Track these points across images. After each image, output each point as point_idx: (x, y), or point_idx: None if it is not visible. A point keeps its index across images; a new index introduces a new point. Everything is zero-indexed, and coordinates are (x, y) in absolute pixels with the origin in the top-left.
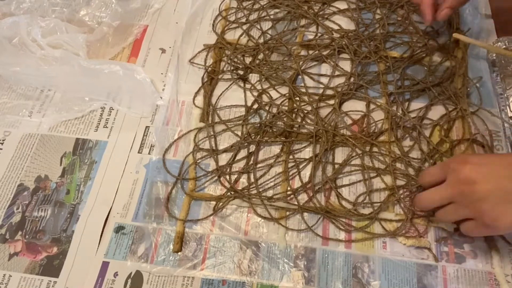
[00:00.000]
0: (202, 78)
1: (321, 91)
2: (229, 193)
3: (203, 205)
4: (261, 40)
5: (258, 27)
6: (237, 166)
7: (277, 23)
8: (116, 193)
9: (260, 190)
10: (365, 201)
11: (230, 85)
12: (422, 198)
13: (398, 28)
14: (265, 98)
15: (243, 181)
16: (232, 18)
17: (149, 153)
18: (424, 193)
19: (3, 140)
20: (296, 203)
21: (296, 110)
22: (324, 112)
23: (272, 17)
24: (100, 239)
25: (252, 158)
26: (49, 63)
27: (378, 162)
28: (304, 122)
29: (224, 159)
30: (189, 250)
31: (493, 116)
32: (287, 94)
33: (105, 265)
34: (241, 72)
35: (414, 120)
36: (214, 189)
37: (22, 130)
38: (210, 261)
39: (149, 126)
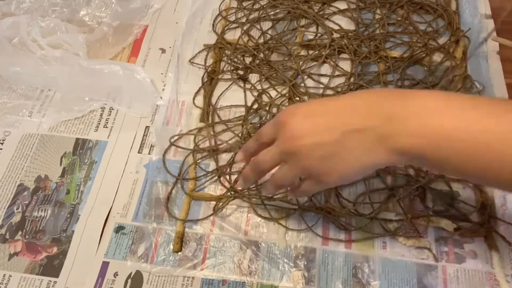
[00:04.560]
0: (202, 78)
1: (321, 91)
2: (229, 193)
3: (203, 205)
4: (261, 40)
5: (258, 27)
6: (237, 166)
7: (277, 23)
8: (116, 193)
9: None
10: (365, 201)
11: (230, 85)
12: (255, 162)
13: (398, 28)
14: (265, 98)
15: None
16: (232, 18)
17: (149, 153)
18: (257, 156)
19: (3, 140)
20: (296, 203)
21: None
22: None
23: (272, 17)
24: (100, 239)
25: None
26: (49, 63)
27: None
28: None
29: (224, 159)
30: (189, 250)
31: None
32: (287, 94)
33: (105, 265)
34: (241, 72)
35: None
36: (214, 189)
37: (22, 130)
38: (210, 261)
39: (149, 126)
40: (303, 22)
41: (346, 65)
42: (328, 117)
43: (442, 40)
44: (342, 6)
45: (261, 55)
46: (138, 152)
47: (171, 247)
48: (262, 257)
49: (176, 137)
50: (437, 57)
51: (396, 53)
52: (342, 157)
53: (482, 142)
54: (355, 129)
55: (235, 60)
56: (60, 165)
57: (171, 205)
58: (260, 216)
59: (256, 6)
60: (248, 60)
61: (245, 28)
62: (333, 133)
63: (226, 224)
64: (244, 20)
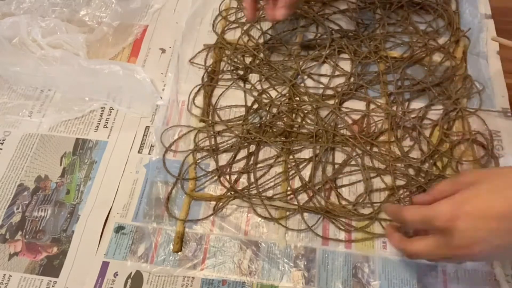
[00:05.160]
0: (202, 78)
1: (321, 91)
2: (229, 193)
3: (203, 205)
4: (261, 40)
5: (258, 27)
6: (237, 166)
7: (277, 23)
8: (116, 193)
9: (260, 190)
10: (365, 201)
11: (230, 85)
12: (409, 250)
13: (398, 28)
14: (265, 98)
15: (243, 181)
16: (232, 18)
17: (149, 153)
18: (411, 244)
19: (3, 140)
20: (296, 203)
21: (296, 110)
22: (324, 112)
23: None
24: (100, 239)
25: (252, 158)
26: (49, 63)
27: (378, 162)
28: (304, 122)
29: (224, 159)
30: (189, 250)
31: (493, 116)
32: (287, 94)
33: (105, 265)
34: (241, 72)
35: (414, 120)
36: (214, 189)
37: (22, 130)
38: (210, 261)
39: (149, 126)
40: (303, 22)
41: (346, 65)
42: (501, 220)
43: (442, 40)
44: (342, 6)
45: (261, 55)
46: (138, 152)
47: (171, 247)
48: (262, 257)
49: (176, 137)
50: (437, 57)
51: (396, 53)
52: None
53: None
54: None
55: (235, 60)
56: (60, 165)
57: (171, 205)
58: (260, 216)
59: None
60: (248, 60)
61: (245, 28)
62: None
63: (226, 224)
64: (244, 20)
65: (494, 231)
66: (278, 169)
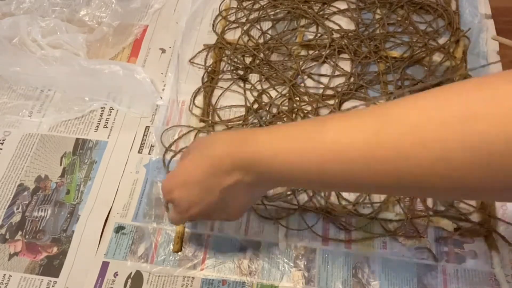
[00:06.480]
0: (202, 78)
1: (321, 91)
2: None
3: None
4: (261, 40)
5: (258, 27)
6: None
7: (277, 23)
8: (116, 193)
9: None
10: (365, 201)
11: (230, 85)
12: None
13: (398, 28)
14: (265, 98)
15: None
16: (232, 18)
17: (149, 153)
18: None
19: (3, 140)
20: (296, 203)
21: (296, 110)
22: (324, 112)
23: (272, 17)
24: (100, 239)
25: None
26: (49, 63)
27: None
28: None
29: None
30: (189, 250)
31: None
32: (287, 94)
33: (105, 265)
34: (241, 72)
35: None
36: None
37: (22, 130)
38: (210, 261)
39: (149, 126)
40: (303, 22)
41: (346, 65)
42: (198, 185)
43: (442, 40)
44: (342, 6)
45: (261, 55)
46: (138, 152)
47: (171, 247)
48: (262, 257)
49: (176, 137)
50: (437, 57)
51: (396, 53)
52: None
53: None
54: (228, 185)
55: (235, 60)
56: (60, 165)
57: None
58: (260, 216)
59: (256, 6)
60: (248, 60)
61: (245, 28)
62: (212, 193)
63: (226, 224)
64: (244, 20)
65: (198, 194)
66: None
